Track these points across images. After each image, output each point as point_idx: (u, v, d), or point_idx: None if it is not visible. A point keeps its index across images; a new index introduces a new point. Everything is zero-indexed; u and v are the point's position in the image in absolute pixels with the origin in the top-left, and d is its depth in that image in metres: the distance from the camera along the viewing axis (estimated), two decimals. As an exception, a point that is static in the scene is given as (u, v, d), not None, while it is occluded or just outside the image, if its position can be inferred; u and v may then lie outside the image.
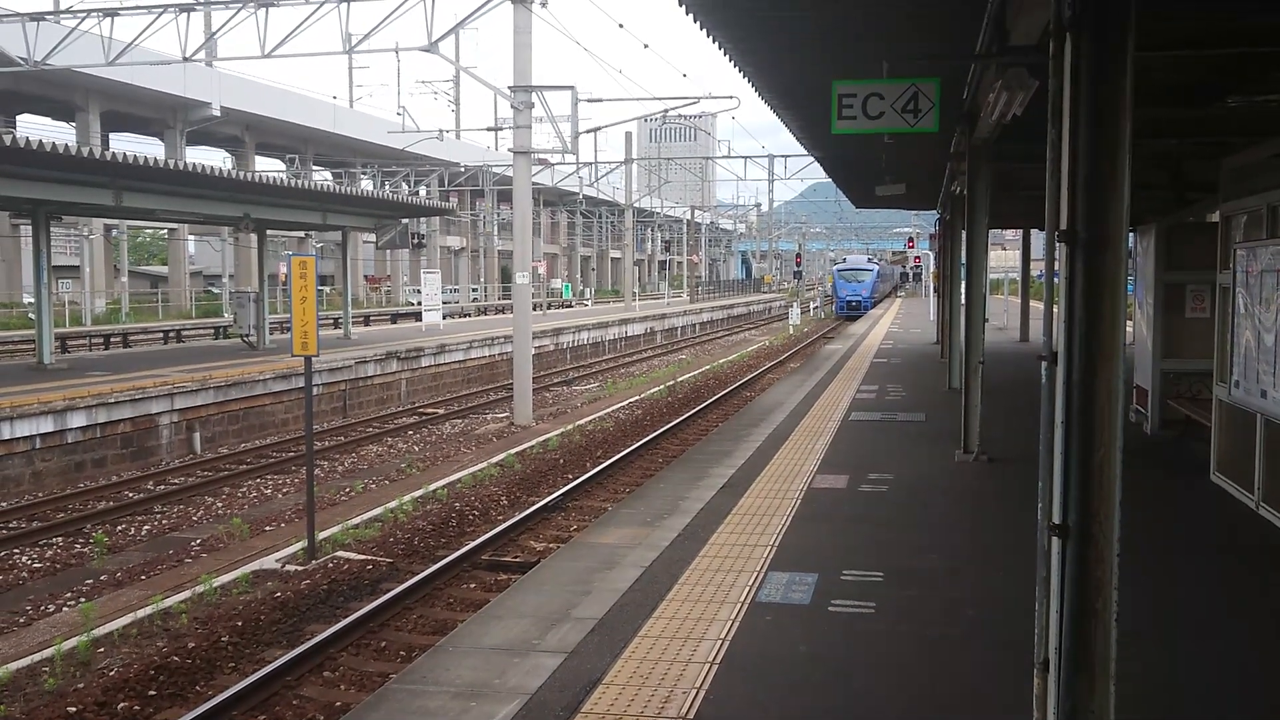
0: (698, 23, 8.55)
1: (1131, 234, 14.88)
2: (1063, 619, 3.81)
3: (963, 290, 13.42)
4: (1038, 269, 33.06)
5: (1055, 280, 4.00)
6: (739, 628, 6.09)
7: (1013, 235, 49.33)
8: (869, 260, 67.68)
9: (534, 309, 30.57)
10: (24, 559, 11.69)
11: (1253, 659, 5.73)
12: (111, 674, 7.98)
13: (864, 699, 5.14)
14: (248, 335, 25.99)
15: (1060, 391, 3.85)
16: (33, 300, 21.30)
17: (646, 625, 6.14)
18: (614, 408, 22.98)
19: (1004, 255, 49.44)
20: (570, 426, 20.03)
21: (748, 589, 6.84)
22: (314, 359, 11.85)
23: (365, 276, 66.03)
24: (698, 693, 5.14)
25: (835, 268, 65.32)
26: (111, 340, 31.90)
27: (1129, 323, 17.00)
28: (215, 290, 57.05)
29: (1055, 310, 4.03)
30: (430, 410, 23.41)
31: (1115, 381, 3.81)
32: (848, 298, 57.91)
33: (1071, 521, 3.82)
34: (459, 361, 27.77)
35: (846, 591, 6.79)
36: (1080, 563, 3.81)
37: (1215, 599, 6.82)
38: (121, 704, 7.46)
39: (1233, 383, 9.33)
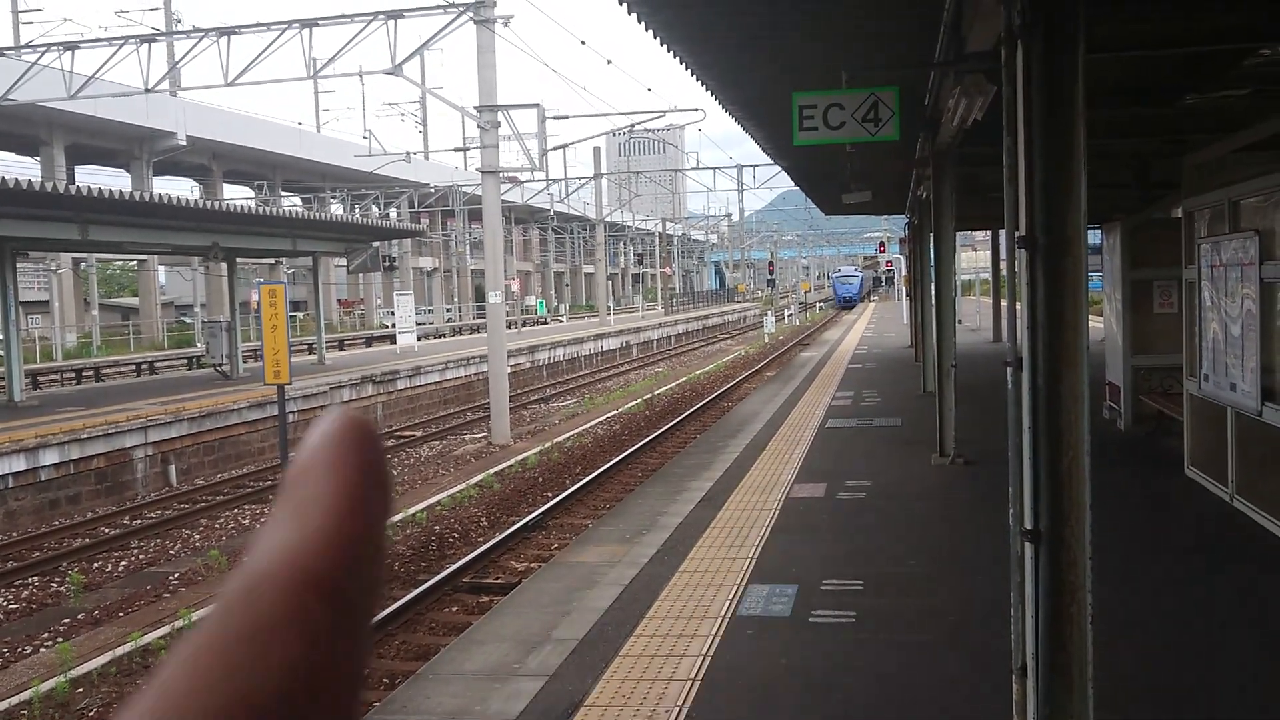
0: (657, 38, 8.57)
1: (1098, 232, 15.00)
2: (1038, 624, 3.82)
3: (933, 293, 13.49)
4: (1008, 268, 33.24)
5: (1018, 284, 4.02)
6: (720, 643, 6.08)
7: (983, 236, 49.64)
8: (855, 269, 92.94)
9: (509, 327, 30.53)
10: (-1, 601, 11.56)
11: (1233, 654, 5.76)
12: (91, 715, 7.90)
13: (847, 711, 5.14)
14: (220, 365, 25.82)
15: (1027, 396, 3.87)
16: (1, 338, 21.06)
17: (627, 644, 6.12)
18: (592, 423, 22.94)
19: (974, 256, 49.66)
20: (549, 444, 19.99)
21: (728, 603, 6.83)
22: (288, 386, 11.79)
23: (338, 301, 65.74)
24: (680, 711, 5.13)
25: (834, 276, 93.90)
26: (83, 374, 31.60)
27: (1099, 320, 17.18)
28: (187, 320, 56.63)
29: (1019, 314, 4.05)
30: (407, 433, 23.31)
31: (1080, 385, 3.83)
32: (844, 294, 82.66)
33: (1043, 526, 3.83)
34: (435, 383, 27.68)
35: (827, 602, 6.79)
36: (1053, 567, 3.82)
37: (1193, 595, 6.86)
38: (101, 745, 7.38)
39: (1202, 376, 9.41)
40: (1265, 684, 5.33)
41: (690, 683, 5.48)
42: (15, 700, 8.22)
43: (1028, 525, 3.88)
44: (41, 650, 9.82)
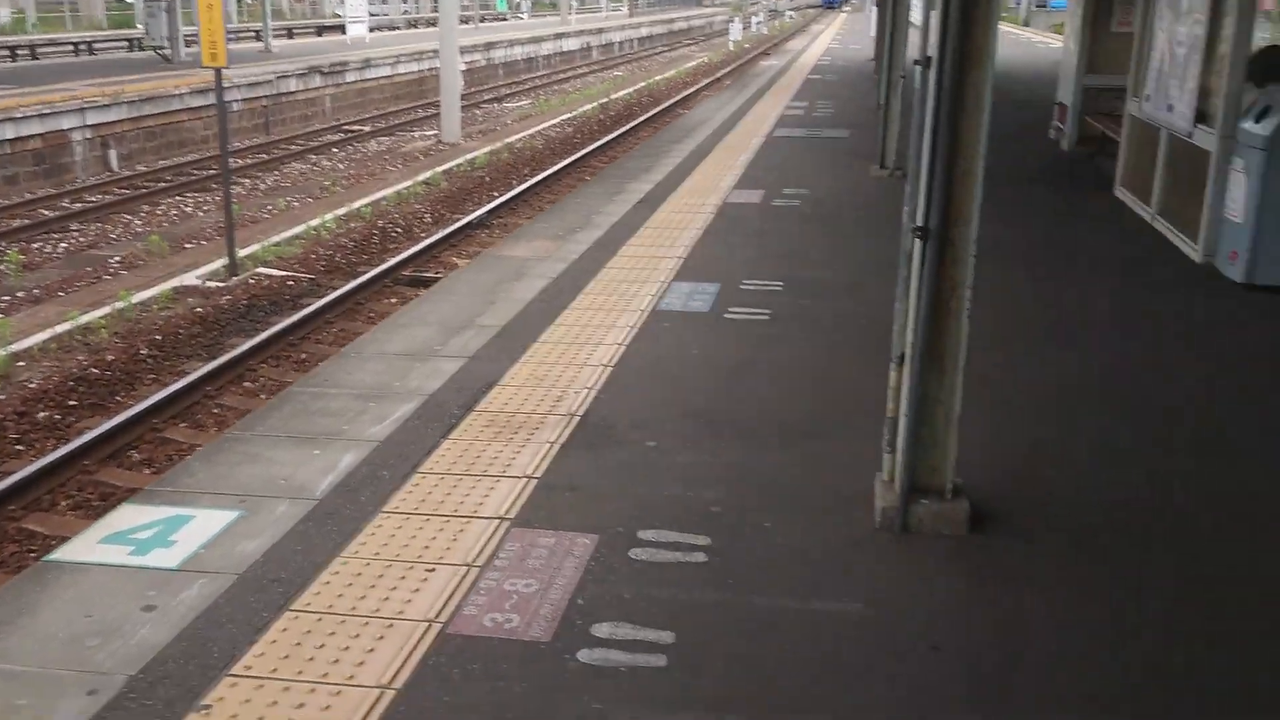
0: None
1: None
2: (920, 314, 3.99)
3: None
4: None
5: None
6: (637, 334, 6.29)
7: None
8: None
9: (465, 23, 29.39)
10: (-61, 276, 11.61)
11: (1117, 361, 6.05)
12: (31, 386, 8.12)
13: (749, 395, 5.41)
14: (161, 48, 24.93)
15: (931, 96, 3.88)
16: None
17: (547, 332, 6.32)
18: (544, 125, 22.66)
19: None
20: (499, 144, 19.80)
21: (651, 298, 7.02)
22: (230, 71, 11.46)
23: (288, -13, 62.64)
24: (590, 393, 5.37)
25: None
26: (18, 52, 30.33)
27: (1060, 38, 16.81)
28: (129, 0, 53.93)
29: (932, 14, 3.99)
30: (355, 128, 22.90)
31: (983, 86, 3.84)
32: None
33: (933, 225, 3.94)
34: (386, 77, 26.97)
35: (745, 300, 7.00)
36: (938, 264, 3.97)
37: (1096, 305, 7.11)
38: (41, 413, 7.64)
39: (1144, 97, 9.39)
40: (1135, 377, 5.64)
41: (603, 368, 5.72)
42: (-43, 370, 8.42)
43: (919, 223, 4.00)
44: (-18, 325, 9.97)
